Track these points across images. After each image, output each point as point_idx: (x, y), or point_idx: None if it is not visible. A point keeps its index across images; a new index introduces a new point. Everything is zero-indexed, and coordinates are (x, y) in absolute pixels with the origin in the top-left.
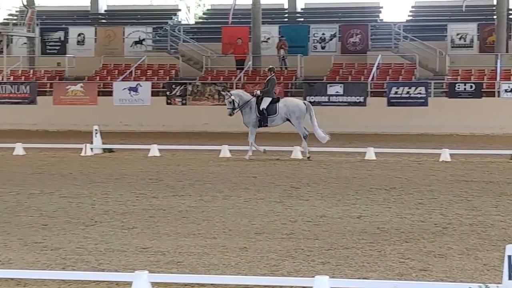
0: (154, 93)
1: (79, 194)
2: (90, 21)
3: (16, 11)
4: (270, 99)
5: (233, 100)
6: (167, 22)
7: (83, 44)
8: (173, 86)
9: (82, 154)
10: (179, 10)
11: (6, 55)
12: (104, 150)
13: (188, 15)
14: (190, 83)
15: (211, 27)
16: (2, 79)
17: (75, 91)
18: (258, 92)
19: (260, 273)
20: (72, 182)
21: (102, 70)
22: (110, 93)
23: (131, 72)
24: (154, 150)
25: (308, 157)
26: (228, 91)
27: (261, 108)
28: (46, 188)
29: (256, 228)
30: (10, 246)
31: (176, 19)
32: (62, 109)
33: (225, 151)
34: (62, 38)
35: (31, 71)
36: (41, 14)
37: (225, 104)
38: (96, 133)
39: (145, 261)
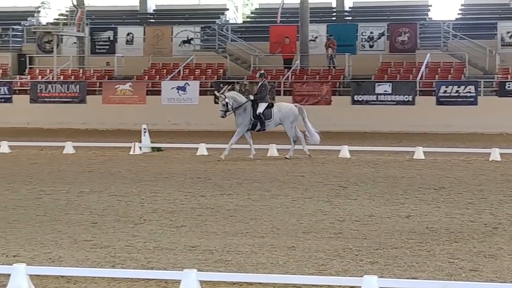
0: (202, 92)
1: (128, 192)
2: (138, 20)
3: (66, 11)
4: (266, 104)
5: (227, 103)
6: (215, 22)
7: (132, 44)
8: (221, 85)
9: (131, 152)
10: (227, 9)
11: (56, 55)
12: (153, 149)
13: (236, 14)
14: (238, 82)
15: (259, 26)
16: (53, 79)
17: (124, 90)
18: (251, 97)
19: (308, 272)
20: (121, 180)
21: (150, 69)
22: (158, 92)
23: (179, 71)
24: (202, 149)
25: (288, 158)
26: (222, 93)
27: (257, 112)
28: (96, 187)
29: (304, 227)
30: (61, 243)
31: (224, 19)
32: (111, 108)
33: (272, 150)
34: (111, 38)
35: (81, 70)
36: (91, 14)
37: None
38: (145, 132)
39: (194, 259)
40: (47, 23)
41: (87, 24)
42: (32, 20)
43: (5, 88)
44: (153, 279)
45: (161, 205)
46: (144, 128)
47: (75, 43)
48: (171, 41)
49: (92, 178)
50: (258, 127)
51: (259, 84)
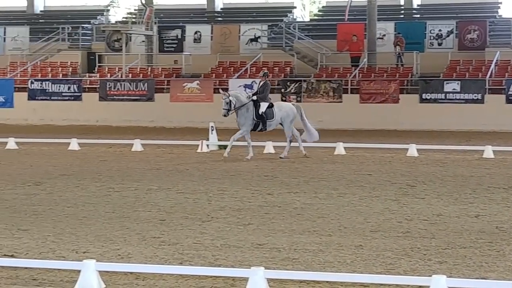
0: None
1: (196, 190)
2: (206, 19)
3: (135, 10)
4: (267, 103)
5: (230, 101)
6: (282, 20)
7: (200, 42)
8: (288, 83)
9: (199, 150)
10: (295, 7)
11: (125, 53)
12: (220, 146)
13: (303, 12)
14: (305, 80)
15: (326, 24)
16: (121, 77)
17: (191, 88)
18: (254, 97)
19: (376, 272)
20: (189, 178)
21: (218, 67)
22: (225, 90)
23: (246, 69)
24: (269, 146)
25: (282, 157)
26: (226, 91)
27: (260, 112)
28: (164, 184)
29: (371, 226)
30: (129, 240)
31: (291, 17)
32: (178, 106)
33: (339, 148)
34: (179, 36)
35: (149, 68)
36: (159, 12)
37: (339, 101)
38: (212, 130)
39: (261, 257)
40: (116, 22)
41: (155, 23)
42: (102, 18)
43: (75, 86)
44: (221, 277)
45: (228, 202)
46: (212, 126)
47: (143, 41)
48: (238, 39)
49: (160, 176)
50: (260, 127)
51: (261, 83)
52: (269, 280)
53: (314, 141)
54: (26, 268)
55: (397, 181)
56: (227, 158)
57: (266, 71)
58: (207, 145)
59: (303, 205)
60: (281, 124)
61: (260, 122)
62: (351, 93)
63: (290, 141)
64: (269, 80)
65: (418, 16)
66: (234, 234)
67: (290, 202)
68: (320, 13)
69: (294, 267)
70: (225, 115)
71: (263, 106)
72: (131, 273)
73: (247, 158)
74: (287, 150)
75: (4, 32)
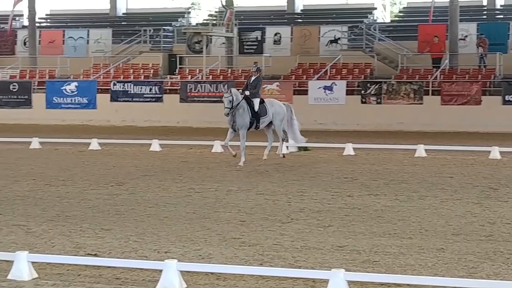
0: (348, 92)
1: (275, 191)
2: (286, 20)
3: (216, 12)
4: (259, 99)
5: (232, 99)
6: (362, 21)
7: (280, 44)
8: (368, 85)
9: (278, 152)
10: (375, 8)
11: (205, 55)
12: (299, 148)
13: (384, 13)
14: (385, 82)
15: (407, 25)
16: (202, 78)
17: (271, 90)
18: (247, 92)
19: (458, 275)
20: (268, 179)
21: (297, 69)
22: (305, 92)
23: (326, 71)
24: (349, 149)
25: (281, 156)
26: (229, 90)
27: (256, 110)
28: (243, 185)
29: (453, 229)
30: (210, 241)
31: (371, 18)
32: None
33: (420, 150)
34: (259, 38)
35: (229, 70)
36: (239, 14)
37: (420, 103)
38: None
39: (341, 259)
40: (197, 24)
41: (235, 25)
42: (183, 21)
43: (156, 87)
44: (301, 278)
45: (308, 204)
46: None
47: (223, 43)
48: (318, 41)
49: (239, 177)
50: (254, 125)
51: (253, 78)
52: (350, 282)
53: (298, 144)
54: (109, 267)
55: (479, 183)
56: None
57: (258, 65)
58: (287, 147)
59: (384, 208)
60: (271, 121)
61: (254, 120)
62: (432, 94)
63: (283, 140)
64: (261, 75)
65: (501, 16)
66: (314, 235)
67: (370, 204)
68: (401, 14)
69: (374, 270)
70: (227, 114)
71: (256, 103)
72: (212, 273)
73: (240, 165)
74: (280, 147)
75: (88, 34)
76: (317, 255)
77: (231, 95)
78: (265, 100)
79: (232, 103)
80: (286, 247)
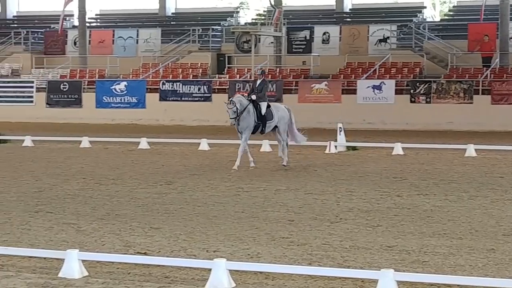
0: (397, 91)
1: (324, 191)
2: (335, 20)
3: (264, 11)
4: (266, 103)
5: (237, 109)
6: (412, 20)
7: (328, 43)
8: (417, 84)
9: (326, 151)
10: (424, 7)
11: (254, 54)
12: (348, 147)
13: (433, 12)
14: (434, 81)
15: (457, 24)
16: (250, 78)
17: (319, 89)
18: (254, 97)
19: (509, 276)
20: (317, 179)
21: (346, 68)
22: (354, 91)
23: (375, 70)
24: (398, 148)
25: (285, 165)
26: (231, 101)
27: (263, 113)
28: (292, 185)
29: (503, 229)
30: (259, 240)
31: (421, 17)
32: (306, 107)
33: (470, 150)
34: (308, 37)
35: (278, 69)
36: (288, 13)
37: (469, 102)
38: (341, 131)
39: (390, 259)
40: (246, 23)
41: (284, 24)
42: (231, 20)
43: (205, 87)
44: (350, 278)
45: (356, 204)
46: (340, 127)
47: (272, 42)
48: (367, 40)
49: (288, 176)
50: (260, 129)
51: (258, 82)
52: (399, 283)
53: (300, 143)
54: (158, 265)
55: None
56: (236, 171)
57: (263, 69)
58: (335, 146)
59: (433, 208)
60: (276, 126)
61: (260, 124)
62: (482, 94)
63: (287, 145)
64: (267, 78)
65: None
66: (363, 235)
67: (419, 204)
68: (451, 13)
69: (424, 270)
70: (233, 124)
71: (263, 107)
72: (260, 272)
73: (234, 169)
74: (286, 155)
75: (137, 34)
76: (366, 255)
77: (235, 106)
78: (271, 104)
79: (237, 112)
80: (335, 247)
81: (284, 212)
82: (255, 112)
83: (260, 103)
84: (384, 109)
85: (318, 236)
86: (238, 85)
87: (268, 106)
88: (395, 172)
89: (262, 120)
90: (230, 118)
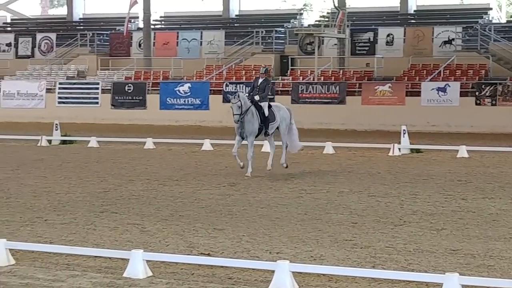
0: (462, 94)
1: (388, 193)
2: (399, 21)
3: (328, 13)
4: (267, 103)
5: (241, 105)
6: (477, 21)
7: (392, 45)
8: (483, 86)
9: (390, 154)
10: (490, 8)
11: (317, 56)
12: (412, 150)
13: (500, 14)
14: (500, 83)
15: None
16: (313, 80)
17: (383, 91)
18: (257, 97)
19: None
20: (380, 181)
21: (410, 70)
22: (418, 93)
23: (439, 72)
24: (463, 151)
25: (285, 166)
26: (237, 95)
27: (266, 114)
28: (355, 187)
29: None
30: (322, 242)
31: (487, 18)
32: (370, 109)
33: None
34: (371, 39)
35: (341, 71)
36: (351, 15)
37: None
38: (404, 133)
39: (455, 263)
40: (309, 25)
41: (347, 26)
42: (295, 22)
43: None
44: (414, 281)
45: (420, 207)
46: (404, 129)
47: (335, 44)
48: (431, 42)
49: (351, 179)
50: (263, 131)
51: (260, 80)
52: (464, 287)
53: (295, 151)
54: (222, 267)
55: None
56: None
57: (266, 66)
58: (399, 149)
59: (499, 211)
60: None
61: (263, 126)
62: None
63: (286, 147)
64: (270, 77)
65: None
66: (427, 239)
67: (484, 207)
68: None
69: (489, 274)
70: (237, 121)
71: (266, 108)
72: (323, 275)
73: (248, 175)
74: (285, 155)
75: (201, 36)
76: (430, 259)
77: (239, 100)
78: (272, 104)
79: (241, 109)
80: (398, 250)
81: (347, 215)
82: (258, 114)
83: (261, 103)
84: (449, 112)
85: (382, 239)
86: (301, 87)
87: (269, 107)
88: (460, 175)
89: (265, 122)
90: (234, 114)
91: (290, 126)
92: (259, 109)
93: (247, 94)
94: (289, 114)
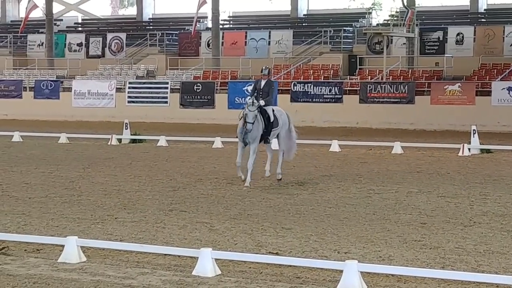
0: None
1: (457, 194)
2: (469, 20)
3: (396, 12)
4: (271, 108)
5: (257, 114)
6: None
7: (462, 44)
8: None
9: (460, 154)
10: None
11: (386, 56)
12: (482, 150)
13: None
14: None
15: None
16: (382, 79)
17: (452, 90)
18: (262, 102)
19: None
20: (450, 182)
21: (480, 69)
22: (488, 93)
23: (510, 71)
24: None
25: (280, 179)
26: (255, 102)
27: (271, 120)
28: (424, 187)
29: None
30: (390, 242)
31: None
32: (439, 108)
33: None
34: (441, 38)
35: (410, 71)
36: (421, 14)
37: None
38: (474, 133)
39: None
40: (378, 24)
41: (417, 25)
42: (363, 21)
43: (336, 88)
44: (484, 283)
45: (491, 207)
46: (474, 129)
47: (404, 43)
48: (502, 41)
49: (420, 179)
50: (265, 138)
51: (263, 83)
52: None
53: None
54: (290, 266)
55: None
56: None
57: (268, 67)
58: (469, 149)
59: None
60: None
61: (266, 132)
62: None
63: (283, 155)
64: (273, 78)
65: None
66: (498, 240)
67: None
68: None
69: None
70: (250, 130)
71: (270, 112)
72: (392, 275)
73: (247, 186)
74: (281, 165)
75: (269, 35)
76: (500, 260)
77: (257, 109)
78: (274, 108)
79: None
80: (468, 251)
81: (416, 215)
82: (263, 119)
83: (265, 107)
84: None
85: (451, 239)
86: (370, 86)
87: (272, 111)
88: None
89: (268, 128)
90: (248, 123)
91: (290, 134)
92: (264, 114)
93: (249, 97)
94: (288, 119)
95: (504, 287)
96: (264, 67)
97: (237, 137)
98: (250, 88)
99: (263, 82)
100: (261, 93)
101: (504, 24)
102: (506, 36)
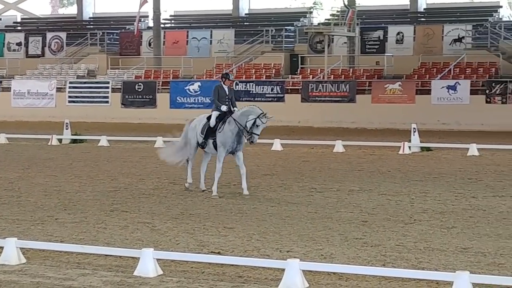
0: (473, 92)
1: (398, 192)
2: (409, 19)
3: (337, 12)
4: (216, 113)
5: None
6: (487, 19)
7: (402, 43)
8: (493, 84)
9: (400, 152)
10: (500, 6)
11: (327, 55)
12: (422, 148)
13: (510, 12)
14: (511, 81)
15: None
16: (323, 78)
17: (393, 89)
18: (236, 109)
19: None
20: (391, 179)
21: (420, 68)
22: (428, 92)
23: (449, 70)
24: (473, 149)
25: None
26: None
27: (212, 125)
28: (365, 185)
29: None
30: (332, 241)
31: (497, 16)
32: (380, 107)
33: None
34: (381, 37)
35: (351, 70)
36: (361, 13)
37: None
38: (414, 132)
39: (465, 261)
40: (319, 24)
41: (357, 24)
42: (304, 20)
43: (278, 87)
44: (424, 280)
45: (431, 205)
46: (414, 128)
47: (345, 43)
48: (441, 40)
49: (361, 177)
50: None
51: (227, 89)
52: (475, 285)
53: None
54: (232, 265)
55: None
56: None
57: (228, 73)
58: (409, 147)
59: (509, 209)
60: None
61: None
62: None
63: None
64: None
65: None
66: (438, 237)
67: (495, 206)
68: None
69: (500, 272)
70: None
71: (214, 117)
72: (334, 273)
73: (216, 195)
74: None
75: (211, 35)
76: (440, 257)
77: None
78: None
79: None
80: (409, 248)
81: (357, 213)
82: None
83: (213, 112)
84: (459, 110)
85: (392, 237)
86: (311, 86)
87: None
88: (470, 173)
89: (209, 134)
90: (256, 134)
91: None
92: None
93: (214, 106)
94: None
95: (443, 284)
96: (228, 72)
97: (201, 145)
98: (213, 94)
99: (226, 88)
100: (229, 100)
101: (443, 23)
102: (445, 35)
